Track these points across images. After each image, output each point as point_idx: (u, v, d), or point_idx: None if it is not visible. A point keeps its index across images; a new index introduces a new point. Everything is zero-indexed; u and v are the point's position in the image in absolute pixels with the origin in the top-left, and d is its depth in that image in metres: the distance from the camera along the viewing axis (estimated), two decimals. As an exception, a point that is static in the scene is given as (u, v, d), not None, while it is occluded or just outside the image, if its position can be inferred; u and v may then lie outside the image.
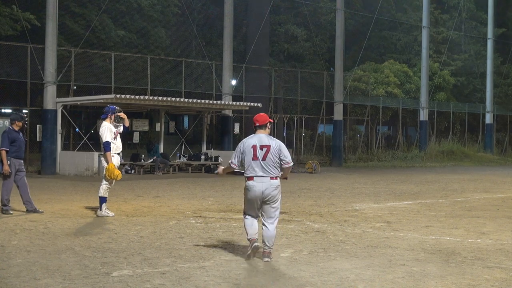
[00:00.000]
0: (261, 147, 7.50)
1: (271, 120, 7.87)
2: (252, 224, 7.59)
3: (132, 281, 6.22)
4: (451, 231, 9.85)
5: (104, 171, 10.79)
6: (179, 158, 24.14)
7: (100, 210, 10.86)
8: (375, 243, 8.54)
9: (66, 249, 7.80)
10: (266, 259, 7.41)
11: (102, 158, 10.94)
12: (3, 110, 27.40)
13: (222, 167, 8.08)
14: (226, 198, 14.18)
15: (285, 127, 31.25)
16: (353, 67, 35.83)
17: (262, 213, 7.58)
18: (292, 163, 7.68)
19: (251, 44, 30.05)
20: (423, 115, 36.21)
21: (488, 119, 41.49)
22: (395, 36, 42.21)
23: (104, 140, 10.70)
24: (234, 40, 27.99)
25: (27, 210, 11.17)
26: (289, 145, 30.60)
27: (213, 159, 24.10)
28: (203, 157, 24.26)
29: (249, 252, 7.48)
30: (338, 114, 30.64)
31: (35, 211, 11.10)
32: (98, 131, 11.09)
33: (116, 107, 11.18)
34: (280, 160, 7.53)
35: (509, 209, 13.10)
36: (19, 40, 23.36)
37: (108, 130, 10.79)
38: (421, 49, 36.98)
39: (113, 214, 10.88)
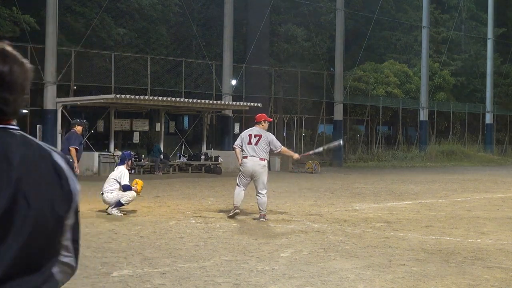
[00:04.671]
0: (255, 136, 10.61)
1: (269, 120, 11.10)
2: (239, 193, 10.57)
3: (132, 281, 6.22)
4: (451, 231, 9.85)
5: (127, 198, 11.04)
6: (179, 158, 24.12)
7: (112, 207, 10.97)
8: (375, 243, 8.54)
9: (66, 249, 7.78)
10: (262, 219, 10.44)
11: (122, 198, 11.05)
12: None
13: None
14: (226, 198, 14.15)
15: (285, 127, 31.22)
16: (353, 67, 35.81)
17: (255, 187, 10.59)
18: (279, 149, 10.74)
19: (251, 44, 30.02)
20: (423, 115, 36.19)
21: (488, 119, 41.48)
22: (395, 36, 42.18)
23: (123, 183, 11.04)
24: (234, 40, 27.99)
25: None
26: (289, 145, 30.59)
27: (213, 159, 24.09)
28: (203, 157, 24.24)
29: (231, 214, 10.63)
30: (338, 114, 30.64)
31: None
32: (116, 172, 11.37)
33: (132, 153, 11.57)
34: (270, 148, 10.59)
35: (509, 209, 13.10)
36: (19, 40, 23.34)
37: (127, 175, 11.18)
38: (421, 49, 36.98)
39: (122, 215, 10.97)
